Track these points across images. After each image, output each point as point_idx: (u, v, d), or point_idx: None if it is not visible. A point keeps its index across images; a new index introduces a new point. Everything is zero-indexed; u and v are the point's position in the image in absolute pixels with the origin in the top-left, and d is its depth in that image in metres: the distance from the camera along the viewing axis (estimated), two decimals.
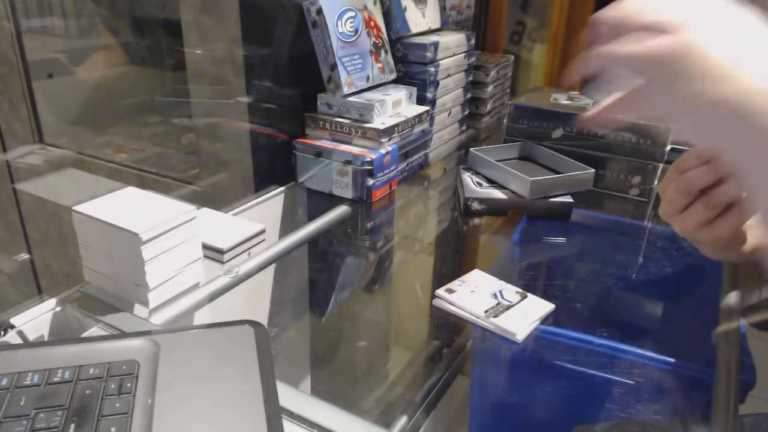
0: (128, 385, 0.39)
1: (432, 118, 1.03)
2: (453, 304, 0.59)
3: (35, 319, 0.54)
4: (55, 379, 0.39)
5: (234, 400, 0.38)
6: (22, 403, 0.37)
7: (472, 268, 0.67)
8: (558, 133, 0.95)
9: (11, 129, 0.82)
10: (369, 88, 0.93)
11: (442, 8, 1.11)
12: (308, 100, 0.90)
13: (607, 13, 0.38)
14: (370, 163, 0.83)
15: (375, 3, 0.95)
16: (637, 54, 0.37)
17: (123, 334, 0.50)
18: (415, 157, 0.97)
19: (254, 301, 0.67)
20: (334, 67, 0.86)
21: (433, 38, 1.00)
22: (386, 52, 0.97)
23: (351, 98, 0.87)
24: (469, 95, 1.16)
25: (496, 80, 1.21)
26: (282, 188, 0.89)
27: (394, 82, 0.99)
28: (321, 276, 0.73)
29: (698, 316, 0.66)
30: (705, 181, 0.50)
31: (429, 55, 0.98)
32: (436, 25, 1.08)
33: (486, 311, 0.57)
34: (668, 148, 0.87)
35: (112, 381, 0.39)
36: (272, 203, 0.87)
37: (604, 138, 0.91)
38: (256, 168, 0.89)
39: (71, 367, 0.40)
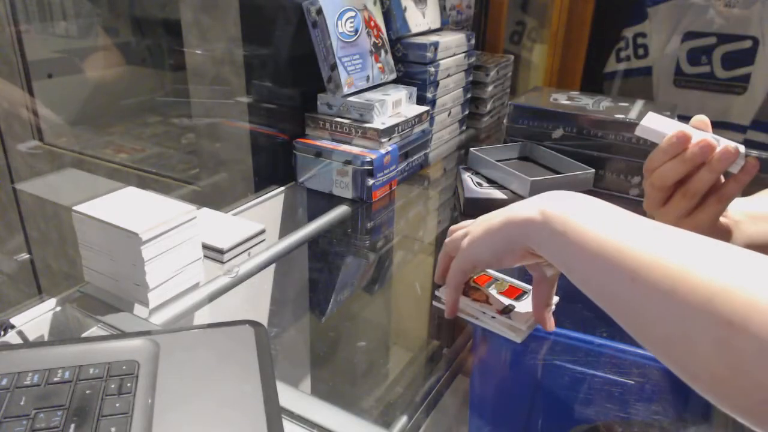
0: (128, 385, 0.39)
1: (432, 118, 1.03)
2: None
3: (35, 319, 0.54)
4: (55, 379, 0.39)
5: (234, 400, 0.38)
6: (22, 403, 0.37)
7: None
8: (558, 133, 0.95)
9: (11, 129, 0.82)
10: (369, 88, 0.93)
11: (442, 8, 1.11)
12: (308, 100, 0.90)
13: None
14: (370, 163, 0.83)
15: (375, 3, 0.95)
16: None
17: (123, 334, 0.50)
18: (415, 157, 0.97)
19: (254, 301, 0.67)
20: (334, 67, 0.86)
21: (433, 38, 1.00)
22: (386, 52, 0.97)
23: (351, 98, 0.87)
24: (469, 95, 1.16)
25: (496, 80, 1.21)
26: (282, 188, 0.89)
27: (394, 82, 0.99)
28: (321, 276, 0.73)
29: None
30: (676, 175, 0.52)
31: (429, 55, 0.98)
32: (436, 25, 1.08)
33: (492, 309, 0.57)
34: None
35: (112, 381, 0.39)
36: (272, 203, 0.87)
37: (604, 138, 0.91)
38: (256, 168, 0.89)
39: (71, 367, 0.40)
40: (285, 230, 0.78)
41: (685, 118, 0.54)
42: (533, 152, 0.96)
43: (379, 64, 0.94)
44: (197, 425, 0.37)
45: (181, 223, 0.54)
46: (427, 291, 0.73)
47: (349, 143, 0.87)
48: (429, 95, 1.01)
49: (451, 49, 1.04)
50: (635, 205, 0.89)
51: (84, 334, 0.52)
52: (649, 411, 0.49)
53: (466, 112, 1.17)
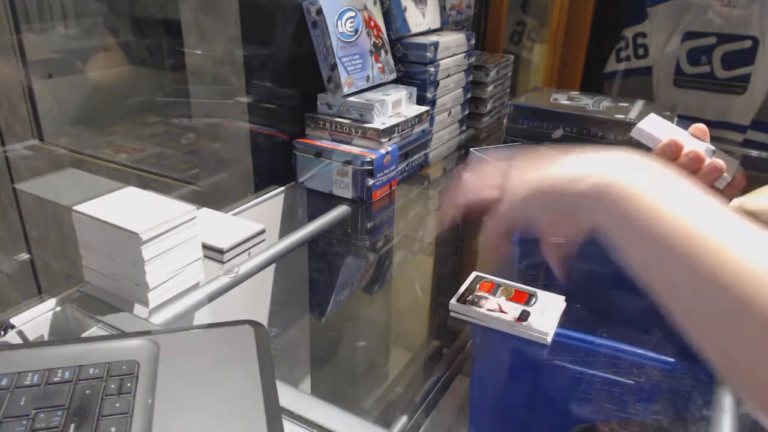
0: (128, 385, 0.39)
1: (432, 118, 1.03)
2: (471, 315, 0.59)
3: (35, 319, 0.54)
4: (55, 379, 0.39)
5: (234, 400, 0.38)
6: (22, 403, 0.37)
7: (472, 269, 0.67)
8: (558, 133, 0.95)
9: (11, 129, 0.82)
10: (369, 88, 0.93)
11: (442, 8, 1.11)
12: (308, 100, 0.90)
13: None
14: (370, 163, 0.83)
15: (375, 3, 0.95)
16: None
17: (123, 334, 0.50)
18: (415, 157, 0.97)
19: (254, 301, 0.67)
20: (334, 67, 0.86)
21: (433, 38, 1.00)
22: (386, 52, 0.97)
23: (351, 98, 0.87)
24: (469, 95, 1.16)
25: (496, 80, 1.21)
26: (282, 188, 0.89)
27: (394, 82, 0.99)
28: (321, 276, 0.73)
29: None
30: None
31: (429, 55, 0.98)
32: (436, 25, 1.08)
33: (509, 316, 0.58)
34: None
35: (112, 381, 0.39)
36: (272, 203, 0.87)
37: (604, 138, 0.91)
38: (256, 168, 0.89)
39: (71, 367, 0.40)
40: (285, 230, 0.78)
41: (685, 118, 0.54)
42: None
43: (379, 64, 0.94)
44: (197, 425, 0.37)
45: (181, 223, 0.54)
46: (427, 291, 0.73)
47: (349, 143, 0.87)
48: (429, 95, 1.01)
49: (451, 49, 1.04)
50: None
51: (84, 334, 0.52)
52: (649, 411, 0.49)
53: (466, 112, 1.17)
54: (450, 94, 1.07)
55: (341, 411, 0.45)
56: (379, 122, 0.87)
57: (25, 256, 0.83)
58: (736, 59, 1.23)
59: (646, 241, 0.36)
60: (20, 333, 0.52)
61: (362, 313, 0.70)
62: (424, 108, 0.97)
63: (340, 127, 0.88)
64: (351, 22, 0.88)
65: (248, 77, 0.85)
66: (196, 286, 0.59)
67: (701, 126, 0.53)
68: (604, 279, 0.75)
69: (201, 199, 0.93)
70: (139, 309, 0.55)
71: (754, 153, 1.18)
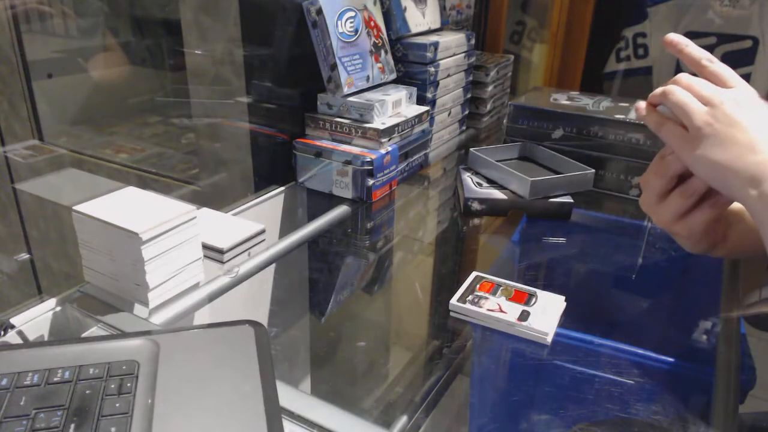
0: (128, 385, 0.39)
1: (432, 118, 1.03)
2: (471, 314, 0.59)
3: (35, 319, 0.54)
4: (55, 379, 0.39)
5: (234, 400, 0.38)
6: (22, 403, 0.37)
7: (472, 269, 0.67)
8: (558, 133, 0.95)
9: (11, 129, 0.82)
10: (369, 88, 0.93)
11: (442, 8, 1.11)
12: (308, 100, 0.90)
13: (683, 75, 0.53)
14: (370, 163, 0.83)
15: (375, 3, 0.95)
16: (690, 107, 0.50)
17: (123, 334, 0.50)
18: (415, 157, 0.97)
19: (254, 301, 0.67)
20: (334, 67, 0.86)
21: (433, 38, 1.00)
22: (386, 52, 0.97)
23: (351, 98, 0.87)
24: (469, 95, 1.16)
25: (496, 80, 1.21)
26: (282, 188, 0.89)
27: (394, 82, 0.99)
28: (321, 276, 0.73)
29: (698, 316, 0.66)
30: (681, 166, 0.52)
31: (429, 55, 0.98)
32: (436, 25, 1.08)
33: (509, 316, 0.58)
34: None
35: (112, 381, 0.39)
36: (272, 203, 0.87)
37: (604, 138, 0.91)
38: (256, 168, 0.89)
39: (71, 367, 0.40)
40: (285, 230, 0.78)
41: None
42: (533, 152, 0.96)
43: (379, 64, 0.94)
44: (197, 425, 0.37)
45: (181, 223, 0.54)
46: (427, 291, 0.73)
47: (349, 143, 0.87)
48: (429, 95, 1.01)
49: (451, 49, 1.04)
50: (635, 206, 0.89)
51: (84, 334, 0.52)
52: (649, 411, 0.49)
53: (466, 112, 1.17)
54: (450, 94, 1.07)
55: (341, 411, 0.45)
56: (379, 122, 0.87)
57: (25, 256, 0.83)
58: (736, 59, 1.23)
59: None
60: (20, 333, 0.52)
61: (362, 313, 0.70)
62: (424, 108, 0.97)
63: (340, 127, 0.88)
64: (351, 22, 0.88)
65: (248, 77, 0.85)
66: (196, 286, 0.59)
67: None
68: (604, 279, 0.75)
69: (201, 199, 0.93)
70: (139, 309, 0.55)
71: None
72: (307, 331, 0.66)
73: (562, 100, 0.99)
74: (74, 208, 0.54)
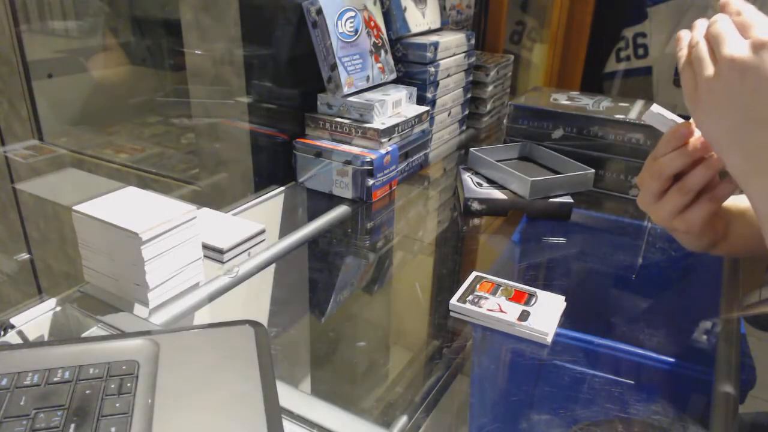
0: (128, 385, 0.39)
1: (432, 118, 1.03)
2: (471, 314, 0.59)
3: (35, 319, 0.54)
4: (55, 379, 0.39)
5: (234, 400, 0.38)
6: (22, 403, 0.37)
7: (472, 269, 0.67)
8: (558, 133, 0.95)
9: (11, 129, 0.82)
10: (369, 88, 0.93)
11: (442, 8, 1.11)
12: (308, 100, 0.90)
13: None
14: (370, 163, 0.83)
15: (375, 3, 0.95)
16: (731, 46, 0.44)
17: (123, 334, 0.50)
18: (415, 157, 0.97)
19: (254, 301, 0.67)
20: (334, 67, 0.86)
21: (433, 38, 1.00)
22: (386, 52, 0.97)
23: (351, 98, 0.87)
24: (469, 95, 1.16)
25: (496, 80, 1.21)
26: (282, 188, 0.89)
27: (394, 82, 0.99)
28: (321, 276, 0.73)
29: (698, 316, 0.66)
30: (676, 166, 0.52)
31: (429, 55, 0.98)
32: (436, 25, 1.08)
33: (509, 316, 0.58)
34: None
35: (112, 381, 0.39)
36: (272, 203, 0.87)
37: (604, 138, 0.91)
38: (256, 168, 0.89)
39: (71, 367, 0.40)
40: (285, 230, 0.78)
41: (685, 118, 0.54)
42: (533, 152, 0.96)
43: (379, 64, 0.94)
44: (197, 425, 0.37)
45: (181, 223, 0.54)
46: (427, 291, 0.73)
47: (349, 143, 0.87)
48: (429, 95, 1.01)
49: (451, 49, 1.04)
50: (635, 206, 0.89)
51: (84, 334, 0.52)
52: (649, 411, 0.49)
53: (466, 112, 1.17)
54: (450, 94, 1.07)
55: (341, 411, 0.45)
56: (379, 122, 0.87)
57: (25, 256, 0.83)
58: None
59: None
60: (20, 333, 0.52)
61: (362, 313, 0.70)
62: (424, 108, 0.97)
63: (340, 127, 0.88)
64: (351, 22, 0.88)
65: (248, 77, 0.85)
66: (196, 286, 0.59)
67: None
68: (604, 279, 0.75)
69: (201, 199, 0.93)
70: (139, 309, 0.55)
71: None
72: (307, 331, 0.66)
73: (562, 100, 0.99)
74: (74, 208, 0.54)
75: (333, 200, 0.86)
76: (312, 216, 0.81)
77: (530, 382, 0.55)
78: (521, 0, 1.49)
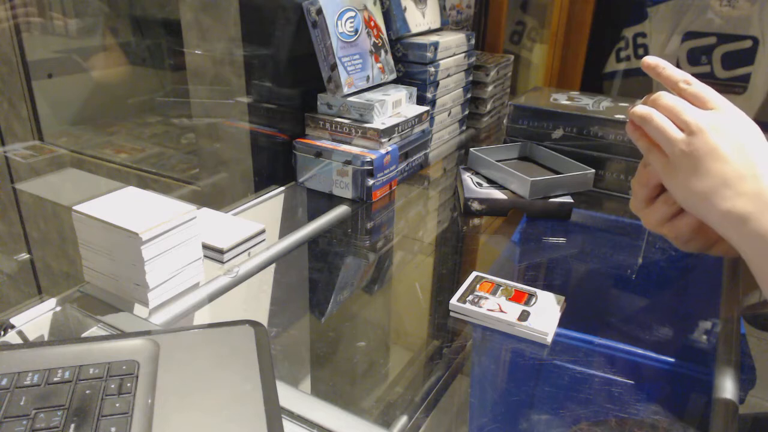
0: (128, 385, 0.39)
1: (432, 118, 1.03)
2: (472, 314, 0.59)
3: (35, 319, 0.54)
4: (55, 379, 0.39)
5: (234, 400, 0.38)
6: (22, 403, 0.37)
7: (472, 269, 0.67)
8: (558, 133, 0.95)
9: (11, 129, 0.82)
10: (369, 88, 0.93)
11: (442, 8, 1.11)
12: (308, 100, 0.90)
13: (663, 96, 0.51)
14: (370, 163, 0.83)
15: (375, 3, 0.95)
16: (668, 134, 0.49)
17: (123, 334, 0.50)
18: (415, 157, 0.97)
19: (254, 301, 0.67)
20: (334, 67, 0.86)
21: (433, 38, 1.00)
22: (386, 52, 0.97)
23: (351, 98, 0.87)
24: (469, 95, 1.16)
25: (496, 80, 1.21)
26: (282, 188, 0.89)
27: (394, 82, 0.99)
28: (321, 276, 0.73)
29: (698, 316, 0.66)
30: (658, 178, 0.53)
31: (429, 55, 0.98)
32: (436, 25, 1.08)
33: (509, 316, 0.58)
34: None
35: (112, 381, 0.39)
36: (272, 203, 0.87)
37: (604, 138, 0.91)
38: (256, 168, 0.89)
39: (71, 367, 0.40)
40: (285, 230, 0.78)
41: None
42: (533, 152, 0.96)
43: (379, 64, 0.94)
44: (197, 425, 0.37)
45: (181, 223, 0.54)
46: (427, 291, 0.73)
47: (349, 143, 0.87)
48: (429, 95, 1.01)
49: (451, 49, 1.04)
50: None
51: (84, 334, 0.52)
52: (649, 411, 0.49)
53: (466, 112, 1.17)
54: (450, 94, 1.07)
55: (341, 411, 0.45)
56: (379, 122, 0.87)
57: (25, 256, 0.83)
58: (736, 59, 1.23)
59: None
60: (20, 333, 0.52)
61: (362, 313, 0.70)
62: (424, 108, 0.97)
63: (340, 127, 0.88)
64: (351, 22, 0.88)
65: (248, 77, 0.85)
66: (196, 286, 0.59)
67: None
68: (604, 279, 0.75)
69: (201, 199, 0.93)
70: (139, 309, 0.55)
71: None
72: (307, 331, 0.66)
73: (562, 100, 0.99)
74: (74, 208, 0.54)
75: (333, 200, 0.86)
76: (312, 216, 0.81)
77: (530, 382, 0.55)
78: (521, 0, 1.49)
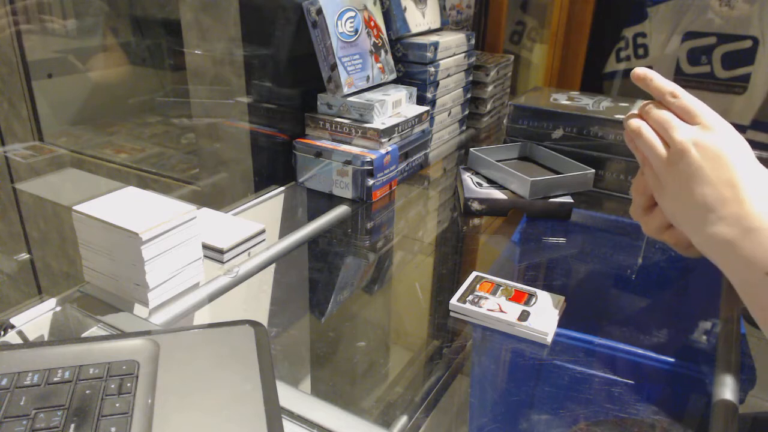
0: (128, 385, 0.39)
1: (432, 118, 1.03)
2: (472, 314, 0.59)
3: (35, 319, 0.54)
4: (55, 379, 0.39)
5: (234, 400, 0.38)
6: (22, 403, 0.37)
7: (472, 269, 0.67)
8: (558, 133, 0.95)
9: (11, 129, 0.82)
10: (369, 88, 0.93)
11: (442, 8, 1.11)
12: (308, 100, 0.90)
13: (653, 108, 0.51)
14: (370, 163, 0.83)
15: (375, 3, 0.95)
16: (654, 152, 0.49)
17: (123, 334, 0.50)
18: (415, 157, 0.97)
19: (254, 301, 0.67)
20: (334, 67, 0.86)
21: (433, 38, 1.00)
22: (386, 52, 0.97)
23: (351, 98, 0.87)
24: (469, 95, 1.16)
25: (496, 80, 1.21)
26: (282, 188, 0.89)
27: (394, 82, 0.99)
28: (321, 276, 0.73)
29: (698, 316, 0.66)
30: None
31: (429, 55, 0.98)
32: (436, 25, 1.08)
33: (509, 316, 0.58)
34: None
35: (112, 381, 0.39)
36: (272, 203, 0.87)
37: (604, 138, 0.91)
38: (256, 168, 0.89)
39: (71, 367, 0.40)
40: (285, 230, 0.78)
41: None
42: (533, 152, 0.96)
43: (379, 64, 0.94)
44: (197, 425, 0.37)
45: (181, 223, 0.54)
46: (427, 291, 0.73)
47: (349, 143, 0.87)
48: (429, 95, 1.01)
49: (451, 49, 1.04)
50: None
51: (84, 334, 0.52)
52: (649, 411, 0.49)
53: (466, 112, 1.17)
54: (450, 94, 1.07)
55: (341, 411, 0.45)
56: (379, 122, 0.87)
57: (25, 256, 0.83)
58: (736, 59, 1.23)
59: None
60: (20, 333, 0.52)
61: (362, 313, 0.70)
62: (424, 108, 0.97)
63: (340, 127, 0.88)
64: (351, 22, 0.88)
65: (248, 77, 0.85)
66: (196, 286, 0.59)
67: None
68: (604, 279, 0.75)
69: (201, 199, 0.93)
70: (139, 309, 0.55)
71: (754, 153, 1.18)
72: (307, 331, 0.66)
73: (562, 100, 0.99)
74: (74, 208, 0.54)
75: (333, 200, 0.86)
76: (312, 216, 0.81)
77: (530, 382, 0.55)
78: (521, 0, 1.49)
